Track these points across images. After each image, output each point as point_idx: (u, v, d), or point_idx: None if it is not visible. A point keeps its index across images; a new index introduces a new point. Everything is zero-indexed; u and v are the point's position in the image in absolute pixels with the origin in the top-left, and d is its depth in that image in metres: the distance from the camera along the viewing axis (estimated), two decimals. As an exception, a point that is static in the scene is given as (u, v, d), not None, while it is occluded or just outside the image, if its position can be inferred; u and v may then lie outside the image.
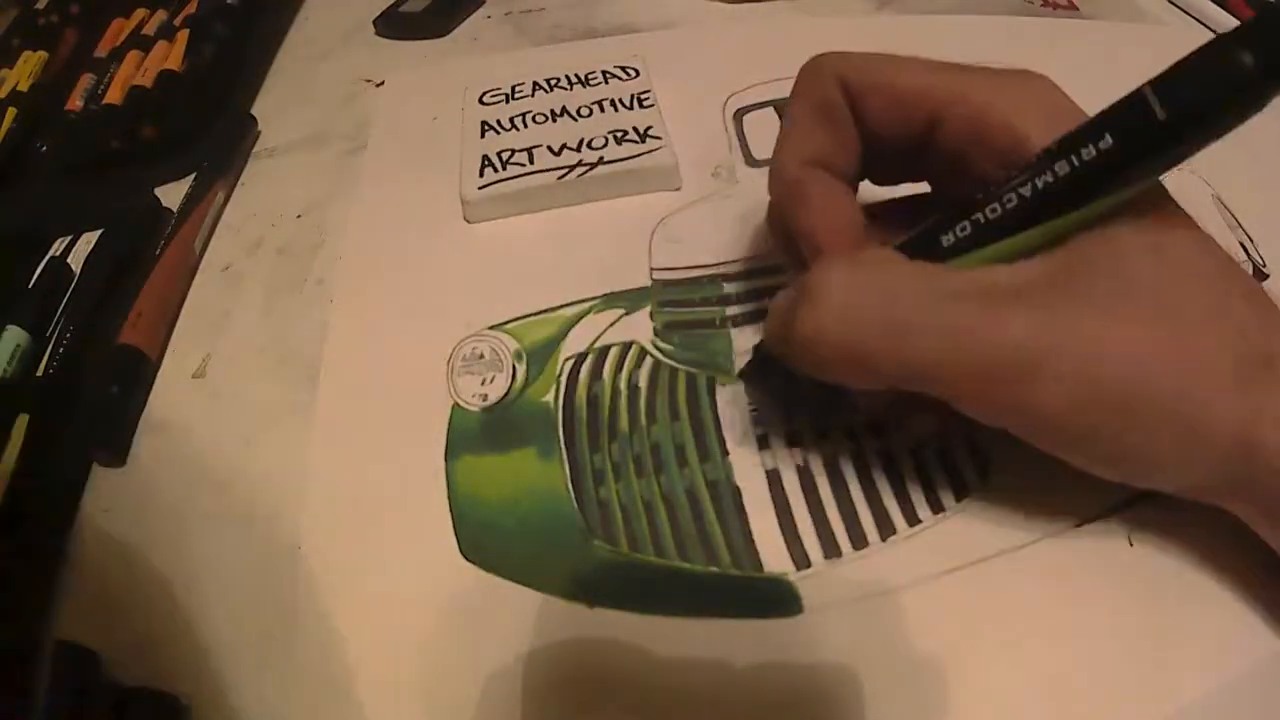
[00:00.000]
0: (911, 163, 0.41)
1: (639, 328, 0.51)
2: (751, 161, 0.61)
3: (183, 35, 0.77)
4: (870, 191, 0.45)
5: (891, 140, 0.40)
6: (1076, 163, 0.32)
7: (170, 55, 0.76)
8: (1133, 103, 0.31)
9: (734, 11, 0.79)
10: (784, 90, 0.62)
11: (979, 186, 0.35)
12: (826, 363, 0.35)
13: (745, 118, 0.65)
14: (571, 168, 0.59)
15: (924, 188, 0.44)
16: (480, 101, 0.66)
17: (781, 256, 0.46)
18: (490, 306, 0.53)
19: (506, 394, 0.49)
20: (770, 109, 0.65)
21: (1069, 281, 0.33)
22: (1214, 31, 0.72)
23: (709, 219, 0.57)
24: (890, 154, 0.41)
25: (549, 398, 0.48)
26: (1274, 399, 0.32)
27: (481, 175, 0.59)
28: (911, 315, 0.33)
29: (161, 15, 0.82)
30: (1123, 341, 0.32)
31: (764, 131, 0.63)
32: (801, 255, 0.41)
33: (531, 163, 0.60)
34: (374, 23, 0.82)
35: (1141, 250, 0.33)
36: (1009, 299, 0.33)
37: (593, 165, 0.59)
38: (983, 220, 0.35)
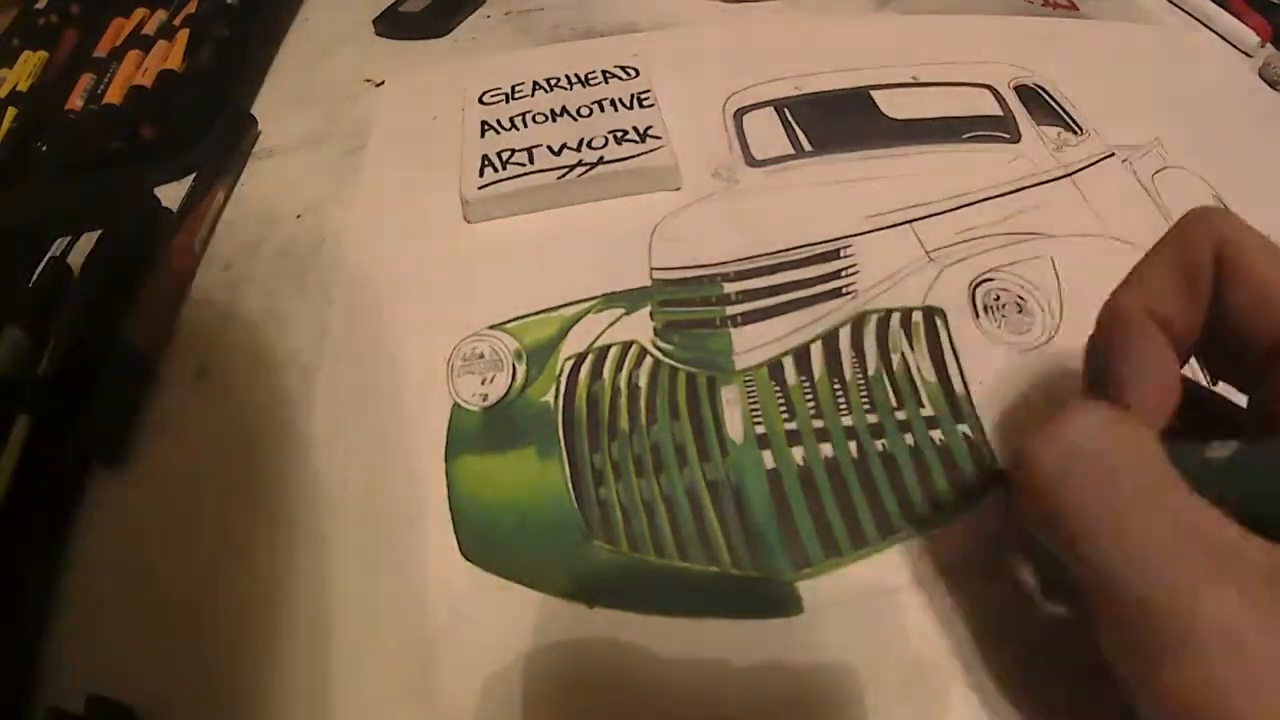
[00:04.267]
0: (1249, 369, 0.35)
1: (639, 327, 0.51)
2: (751, 161, 0.61)
3: (183, 35, 0.77)
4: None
5: (1238, 334, 0.34)
6: None
7: (170, 55, 0.76)
8: None
9: (734, 10, 0.80)
10: (783, 90, 0.63)
11: None
12: (1027, 494, 0.31)
13: (745, 118, 0.65)
14: (571, 167, 0.59)
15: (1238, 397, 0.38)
16: (480, 101, 0.66)
17: (1084, 394, 0.38)
18: (490, 306, 0.53)
19: (506, 394, 0.49)
20: (770, 109, 0.65)
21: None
22: (1214, 32, 0.74)
23: (709, 219, 0.58)
24: (1229, 347, 0.35)
25: (549, 397, 0.48)
26: None
27: (481, 175, 0.59)
28: (1124, 520, 0.29)
29: (161, 15, 0.82)
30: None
31: (764, 131, 0.64)
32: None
33: (531, 162, 0.60)
34: (374, 23, 0.82)
35: None
36: (1228, 570, 0.27)
37: (593, 165, 0.59)
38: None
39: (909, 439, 0.46)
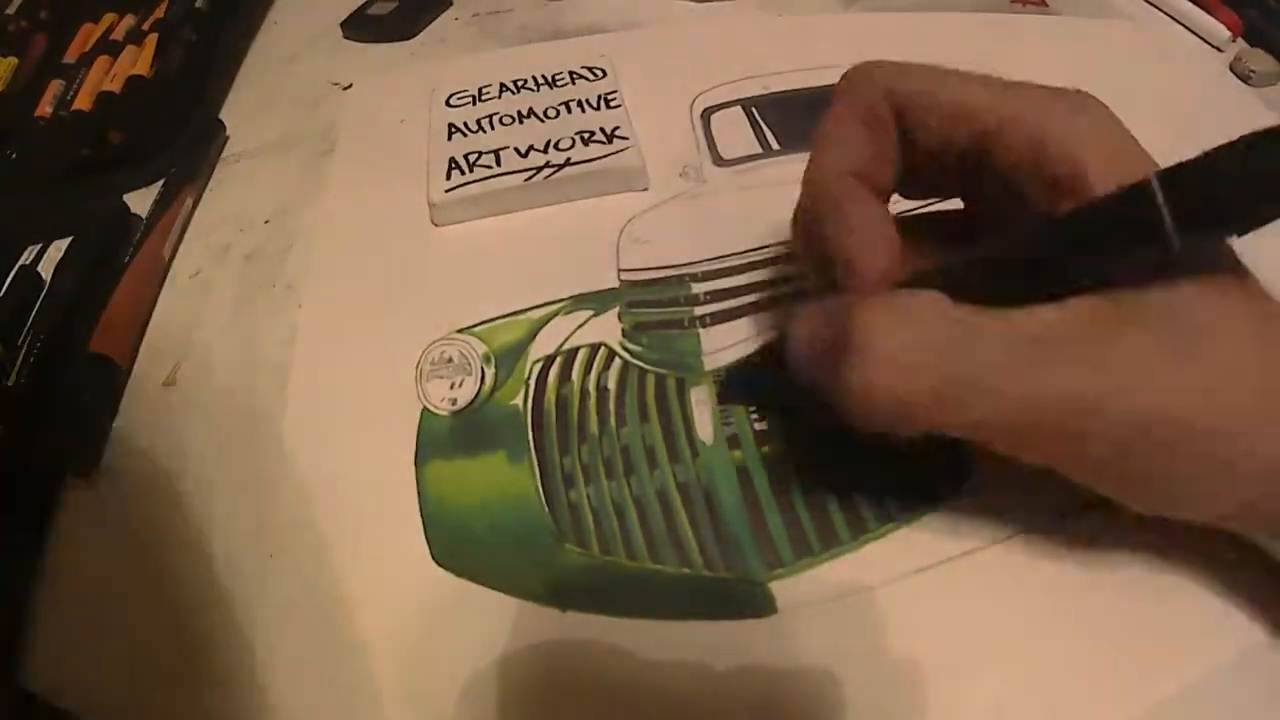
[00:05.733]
0: (949, 181, 0.40)
1: (607, 329, 0.51)
2: (719, 161, 0.61)
3: (151, 40, 0.77)
4: (897, 203, 0.43)
5: (934, 157, 0.38)
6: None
7: (139, 60, 0.75)
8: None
9: (701, 10, 0.80)
10: (751, 89, 0.63)
11: (1023, 211, 0.35)
12: (872, 416, 0.33)
13: (713, 117, 0.65)
14: (539, 169, 0.59)
15: (954, 204, 0.43)
16: (447, 104, 0.66)
17: (802, 259, 0.44)
18: (458, 310, 0.53)
19: (475, 397, 0.49)
20: (738, 108, 0.65)
21: (1115, 326, 0.32)
22: (1186, 27, 0.75)
23: (676, 219, 0.58)
24: (928, 170, 0.40)
25: (518, 401, 0.48)
26: None
27: (449, 178, 0.59)
28: (963, 371, 0.32)
29: (130, 20, 0.82)
30: (1171, 390, 0.31)
31: (731, 131, 0.64)
32: (827, 266, 0.38)
33: (499, 165, 0.60)
34: (341, 26, 0.82)
35: (1187, 294, 0.32)
36: (1057, 349, 0.32)
37: (560, 166, 0.59)
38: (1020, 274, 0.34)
39: (879, 437, 0.45)
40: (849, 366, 0.32)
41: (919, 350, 0.32)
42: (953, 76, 0.38)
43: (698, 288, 0.53)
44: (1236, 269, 0.33)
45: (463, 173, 0.60)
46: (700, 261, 0.54)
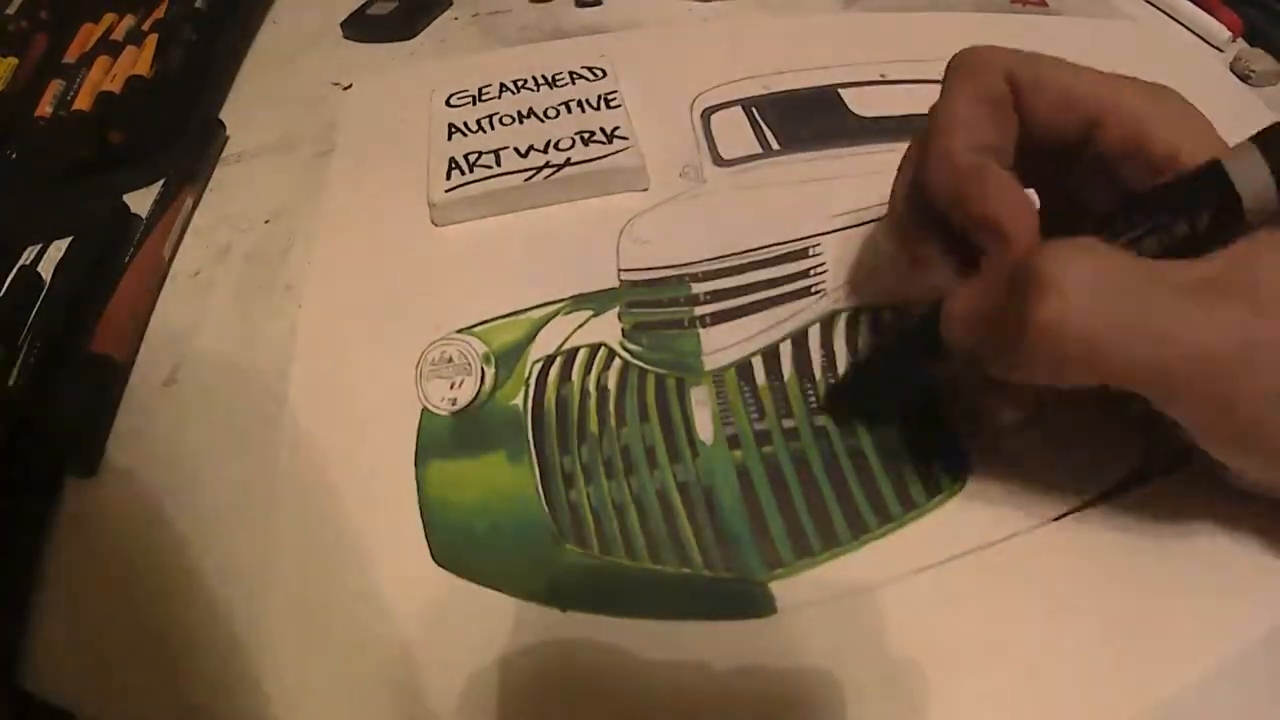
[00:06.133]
0: (1045, 169, 0.41)
1: (607, 329, 0.51)
2: (719, 161, 0.61)
3: (151, 40, 0.77)
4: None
5: (1046, 140, 0.40)
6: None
7: (139, 61, 0.75)
8: None
9: (701, 10, 0.80)
10: (751, 89, 0.63)
11: (1122, 193, 0.38)
12: (1058, 355, 0.33)
13: (713, 117, 0.65)
14: (539, 169, 0.59)
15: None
16: (447, 104, 0.66)
17: (904, 241, 0.45)
18: (458, 309, 0.53)
19: (475, 397, 0.49)
20: (738, 108, 0.65)
21: (1255, 279, 0.33)
22: (1186, 27, 0.75)
23: (677, 219, 0.58)
24: (1030, 156, 0.41)
25: (518, 401, 0.48)
26: None
27: (449, 178, 0.59)
28: (1147, 308, 0.32)
29: (130, 20, 0.82)
30: None
31: (732, 131, 0.63)
32: (949, 247, 0.41)
33: (499, 165, 0.60)
34: (341, 26, 0.82)
35: None
36: (1221, 293, 0.32)
37: (560, 166, 0.59)
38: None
39: (879, 438, 0.45)
40: (1039, 306, 0.32)
41: (1109, 282, 0.33)
42: (1060, 63, 0.40)
43: (698, 288, 0.53)
44: None
45: (463, 173, 0.60)
46: (700, 261, 0.54)
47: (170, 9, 0.81)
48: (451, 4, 0.84)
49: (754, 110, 0.64)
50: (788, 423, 0.47)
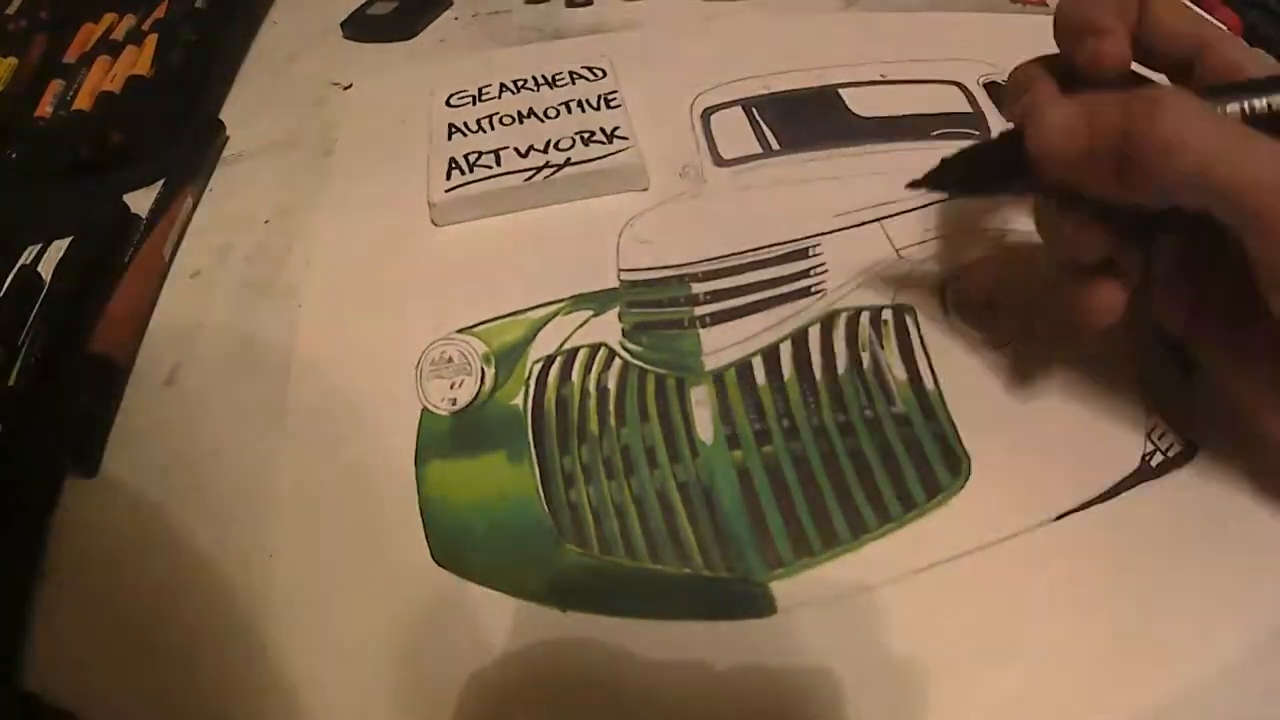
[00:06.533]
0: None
1: (607, 329, 0.51)
2: (719, 161, 0.61)
3: (151, 40, 0.77)
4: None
5: (1159, 48, 0.41)
6: None
7: (139, 60, 0.75)
8: None
9: (701, 10, 0.80)
10: (751, 89, 0.63)
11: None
12: (1175, 162, 0.34)
13: (713, 117, 0.65)
14: (539, 169, 0.59)
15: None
16: (447, 104, 0.66)
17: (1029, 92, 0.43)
18: (458, 310, 0.53)
19: (475, 397, 0.49)
20: (738, 108, 0.65)
21: None
22: None
23: (677, 219, 0.58)
24: (1153, 58, 0.42)
25: (518, 401, 0.48)
26: None
27: (449, 178, 0.59)
28: (1247, 136, 0.34)
29: (130, 19, 0.82)
30: None
31: (732, 131, 0.63)
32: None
33: (499, 165, 0.60)
34: (342, 25, 0.82)
35: None
36: None
37: (560, 166, 0.59)
38: None
39: (879, 437, 0.45)
40: (1161, 116, 0.34)
41: (1216, 119, 0.34)
42: None
43: (698, 288, 0.53)
44: None
45: (463, 173, 0.60)
46: (700, 261, 0.54)
47: (170, 9, 0.81)
48: (451, 4, 0.84)
49: (754, 110, 0.64)
50: (787, 423, 0.46)
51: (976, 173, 0.42)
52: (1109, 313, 0.40)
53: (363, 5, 0.83)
